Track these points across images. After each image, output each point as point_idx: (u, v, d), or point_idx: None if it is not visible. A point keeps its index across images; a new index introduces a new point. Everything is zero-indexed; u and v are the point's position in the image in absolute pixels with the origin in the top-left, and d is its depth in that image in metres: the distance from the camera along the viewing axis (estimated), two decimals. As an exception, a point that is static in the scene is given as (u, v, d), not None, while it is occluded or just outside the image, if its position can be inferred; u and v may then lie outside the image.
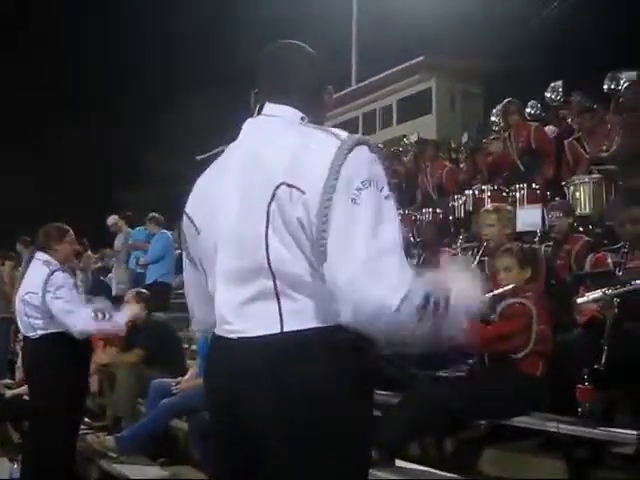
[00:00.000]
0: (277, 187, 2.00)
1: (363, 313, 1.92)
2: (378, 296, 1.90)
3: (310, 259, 2.01)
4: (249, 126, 2.26)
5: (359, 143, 2.02)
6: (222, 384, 2.15)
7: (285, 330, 2.03)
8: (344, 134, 2.05)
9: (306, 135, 2.10)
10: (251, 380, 2.05)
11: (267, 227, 2.02)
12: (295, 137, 2.09)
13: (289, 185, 1.99)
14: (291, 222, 2.00)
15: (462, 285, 2.08)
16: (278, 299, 2.05)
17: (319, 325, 2.03)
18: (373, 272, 1.91)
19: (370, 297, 1.90)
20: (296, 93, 2.25)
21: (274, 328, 2.04)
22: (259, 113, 2.27)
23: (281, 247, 2.02)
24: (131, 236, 12.93)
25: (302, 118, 2.22)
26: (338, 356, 2.03)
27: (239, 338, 2.09)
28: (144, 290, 8.25)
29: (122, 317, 5.82)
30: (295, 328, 2.03)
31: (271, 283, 2.04)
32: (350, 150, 1.99)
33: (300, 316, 2.03)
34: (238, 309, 2.11)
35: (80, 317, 5.35)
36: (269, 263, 2.03)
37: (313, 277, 2.01)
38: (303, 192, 1.98)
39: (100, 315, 5.46)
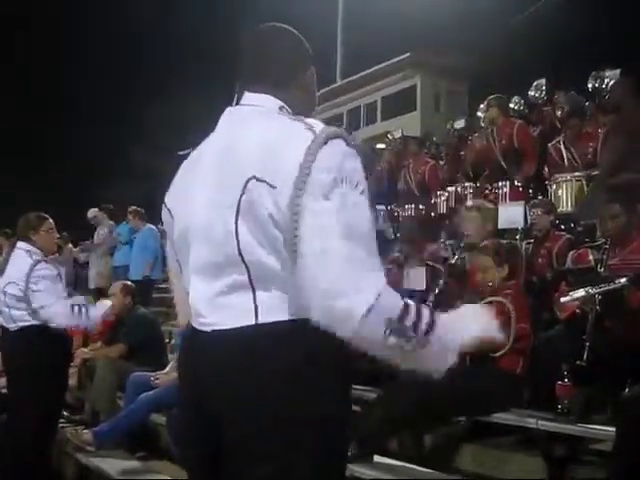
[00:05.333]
0: (248, 180, 1.96)
1: (330, 317, 1.87)
2: (345, 303, 1.84)
3: (283, 253, 1.96)
4: (227, 116, 2.21)
5: (333, 137, 1.95)
6: (194, 376, 2.12)
7: (260, 322, 1.99)
8: (319, 127, 1.98)
9: (281, 127, 2.04)
10: (223, 372, 2.01)
11: (237, 220, 1.98)
12: (270, 129, 2.04)
13: (258, 179, 1.94)
14: (261, 217, 1.95)
15: (465, 317, 2.07)
16: (253, 291, 2.01)
17: (295, 318, 1.99)
18: (342, 277, 1.85)
19: (337, 303, 1.84)
20: (275, 80, 2.19)
21: (248, 320, 2.00)
22: (237, 102, 2.22)
23: (253, 240, 1.97)
24: (115, 231, 12.92)
25: (281, 107, 2.17)
26: (313, 350, 1.98)
27: (213, 331, 2.05)
28: (130, 283, 8.23)
29: (97, 312, 5.77)
30: (270, 320, 1.99)
31: (245, 276, 2.00)
32: (323, 144, 1.92)
33: (275, 309, 1.99)
34: (212, 301, 2.07)
35: (57, 311, 5.32)
36: (241, 256, 1.99)
37: (288, 271, 1.96)
38: (273, 187, 1.92)
39: (77, 309, 5.42)
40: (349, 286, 1.84)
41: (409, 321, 1.88)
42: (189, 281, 2.18)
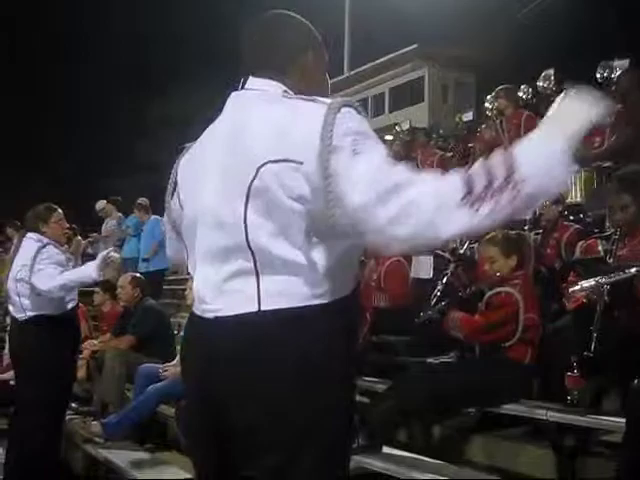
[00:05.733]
0: (262, 166, 1.95)
1: (422, 239, 1.89)
2: (417, 222, 1.82)
3: (298, 237, 1.96)
4: (232, 100, 2.21)
5: (345, 105, 1.98)
6: (199, 365, 2.11)
7: (262, 309, 1.98)
8: (328, 99, 2.01)
9: (290, 107, 2.05)
10: (229, 361, 2.00)
11: (246, 206, 1.97)
12: (279, 111, 2.04)
13: (279, 161, 1.94)
14: (277, 200, 1.94)
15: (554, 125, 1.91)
16: (257, 278, 1.99)
17: (298, 305, 1.97)
18: (404, 203, 1.82)
19: (409, 228, 1.82)
20: (277, 65, 2.20)
21: (251, 307, 1.98)
22: (242, 87, 2.21)
23: (262, 227, 1.97)
24: (124, 223, 12.93)
25: (285, 92, 2.16)
26: (315, 339, 1.97)
27: (215, 317, 2.04)
28: (139, 275, 8.25)
29: (91, 266, 5.64)
30: (272, 307, 1.97)
31: (251, 262, 1.99)
32: (338, 111, 1.94)
33: (279, 296, 1.97)
34: (216, 288, 2.06)
35: (45, 275, 5.34)
36: (248, 242, 1.98)
37: (297, 257, 1.96)
38: (300, 163, 1.92)
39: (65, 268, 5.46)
40: (406, 211, 1.82)
41: (479, 186, 1.80)
42: (194, 268, 2.17)
